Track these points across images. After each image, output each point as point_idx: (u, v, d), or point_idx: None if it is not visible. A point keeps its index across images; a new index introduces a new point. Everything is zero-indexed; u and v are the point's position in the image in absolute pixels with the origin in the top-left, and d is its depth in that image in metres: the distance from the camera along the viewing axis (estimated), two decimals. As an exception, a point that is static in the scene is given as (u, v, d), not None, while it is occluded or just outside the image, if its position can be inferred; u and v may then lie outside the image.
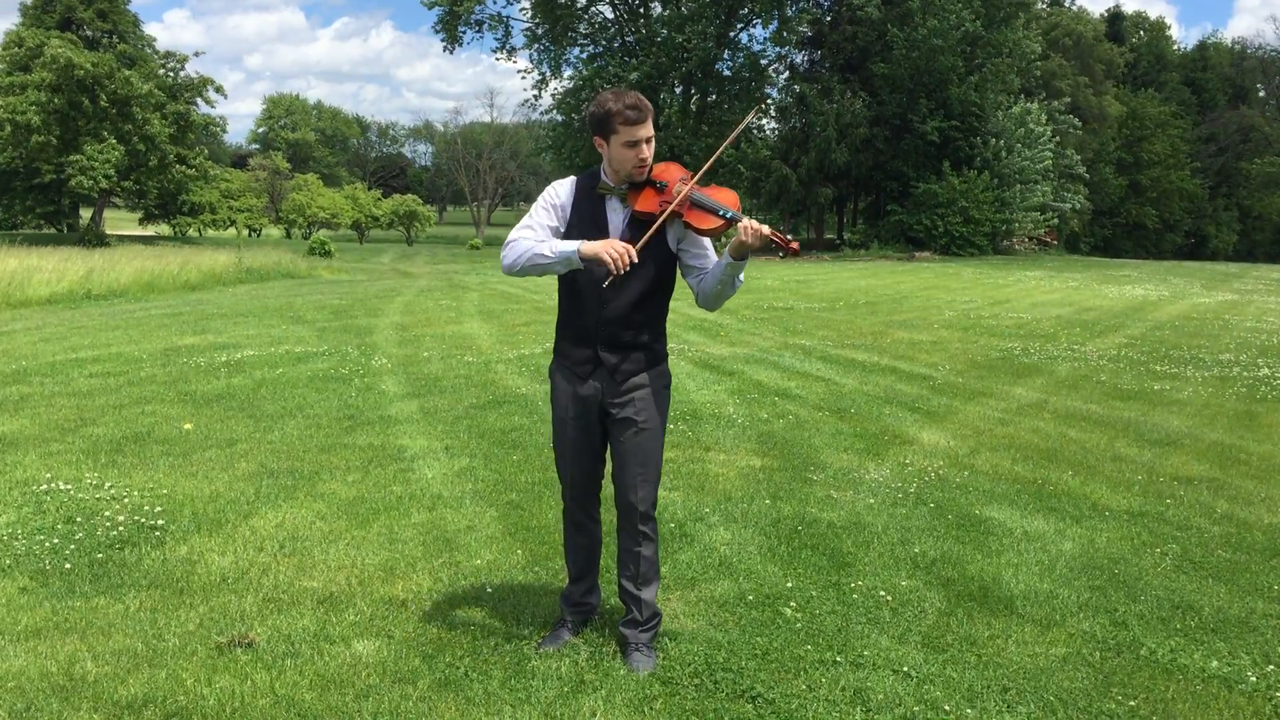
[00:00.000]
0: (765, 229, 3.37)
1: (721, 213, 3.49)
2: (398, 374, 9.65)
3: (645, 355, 3.67)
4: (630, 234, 3.55)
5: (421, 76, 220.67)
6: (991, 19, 41.54)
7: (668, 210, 3.48)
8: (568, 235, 3.58)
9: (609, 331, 3.60)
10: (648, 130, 3.48)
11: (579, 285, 3.59)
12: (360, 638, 3.89)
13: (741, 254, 3.44)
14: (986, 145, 42.42)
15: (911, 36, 40.26)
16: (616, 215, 3.59)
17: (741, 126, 3.99)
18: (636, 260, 3.33)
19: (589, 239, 3.49)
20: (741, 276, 3.56)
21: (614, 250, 3.30)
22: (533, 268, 3.46)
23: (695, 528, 5.27)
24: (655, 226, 3.48)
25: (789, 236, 3.48)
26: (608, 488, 3.88)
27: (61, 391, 8.55)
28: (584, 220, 3.58)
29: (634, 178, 3.55)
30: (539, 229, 3.56)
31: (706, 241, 3.67)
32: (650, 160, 3.55)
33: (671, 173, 3.60)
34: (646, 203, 3.55)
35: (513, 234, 3.55)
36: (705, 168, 3.61)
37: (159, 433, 7.11)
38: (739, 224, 3.41)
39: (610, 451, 3.76)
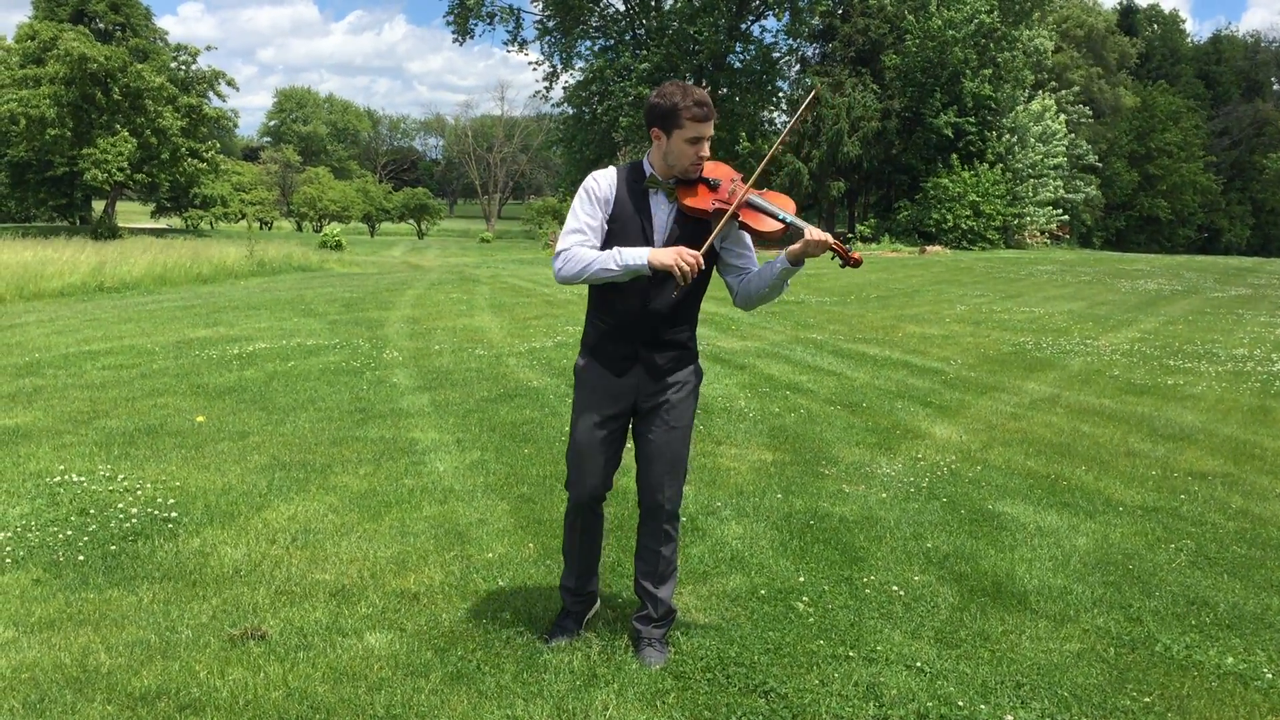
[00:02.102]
0: (829, 237, 3.34)
1: (781, 217, 3.45)
2: (409, 367, 9.66)
3: (683, 353, 3.64)
4: (679, 230, 3.49)
5: (434, 70, 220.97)
6: (1006, 13, 41.36)
7: (730, 210, 3.41)
8: (610, 229, 3.49)
9: (651, 329, 3.53)
10: (711, 129, 3.42)
11: (622, 282, 3.49)
12: (372, 630, 3.90)
13: (799, 259, 3.39)
14: (1000, 140, 42.26)
15: (926, 27, 40.11)
16: (662, 210, 3.51)
17: (800, 113, 3.84)
18: (703, 267, 3.24)
19: (633, 233, 3.46)
20: (790, 281, 3.52)
21: (685, 260, 3.22)
22: (595, 279, 3.36)
23: (707, 522, 5.26)
24: (721, 225, 3.42)
25: (849, 247, 3.44)
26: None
27: (74, 384, 8.58)
28: (628, 214, 3.48)
29: (688, 174, 3.48)
30: (589, 232, 3.45)
31: (750, 241, 3.64)
32: (707, 158, 3.50)
33: (722, 171, 3.55)
34: (699, 199, 3.48)
35: (563, 241, 3.43)
36: (760, 169, 3.54)
37: (171, 425, 7.13)
38: (806, 230, 3.36)
39: (636, 449, 3.71)
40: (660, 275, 3.40)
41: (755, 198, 3.48)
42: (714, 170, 3.54)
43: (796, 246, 3.38)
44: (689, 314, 3.63)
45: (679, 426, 3.64)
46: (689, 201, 3.47)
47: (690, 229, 3.49)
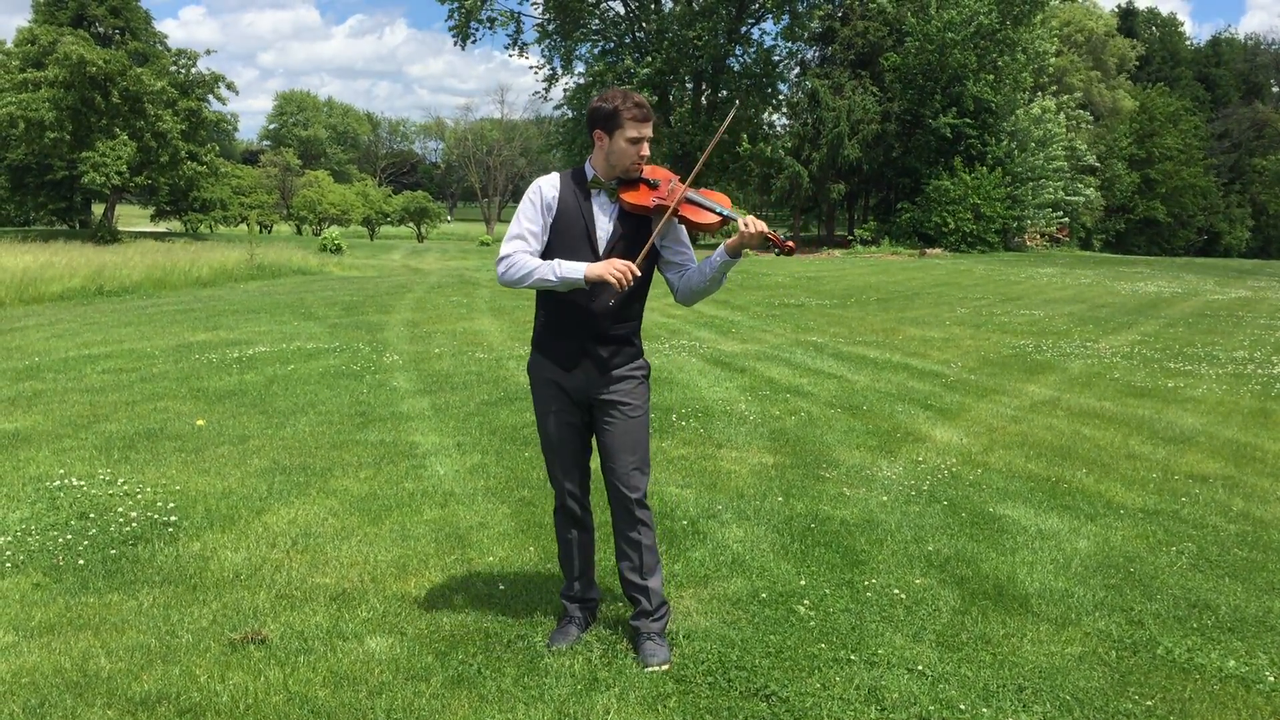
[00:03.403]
0: (764, 226, 3.50)
1: (718, 210, 3.63)
2: (409, 370, 9.66)
3: (629, 349, 3.76)
4: (621, 228, 3.66)
5: (435, 73, 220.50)
6: (1005, 15, 41.35)
7: (673, 206, 3.59)
8: (555, 228, 3.65)
9: (597, 326, 3.66)
10: (650, 129, 3.62)
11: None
12: (373, 634, 3.89)
13: (737, 251, 3.57)
14: (999, 144, 42.23)
15: (925, 29, 40.11)
16: (604, 211, 3.67)
17: (725, 124, 4.10)
18: (639, 274, 3.47)
19: (576, 234, 3.62)
20: (728, 274, 3.70)
21: (616, 270, 3.42)
22: (535, 285, 3.55)
23: (708, 525, 5.25)
24: (665, 219, 3.60)
25: (784, 235, 3.59)
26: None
27: (74, 388, 8.57)
28: (571, 216, 3.64)
29: (630, 174, 3.65)
30: (530, 239, 3.62)
31: (687, 239, 3.81)
32: (647, 158, 3.66)
33: (661, 173, 3.72)
34: (639, 197, 3.65)
35: (506, 247, 3.62)
36: (696, 169, 3.71)
37: (171, 429, 7.13)
38: (741, 220, 3.52)
39: (599, 444, 3.79)
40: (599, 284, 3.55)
41: (693, 194, 3.65)
42: (654, 172, 3.71)
43: (733, 239, 3.55)
44: (634, 313, 3.78)
45: (636, 415, 3.75)
46: (630, 200, 3.64)
47: (632, 226, 3.67)
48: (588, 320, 3.65)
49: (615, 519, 3.83)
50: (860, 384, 9.50)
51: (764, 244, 3.55)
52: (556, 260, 3.54)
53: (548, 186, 3.69)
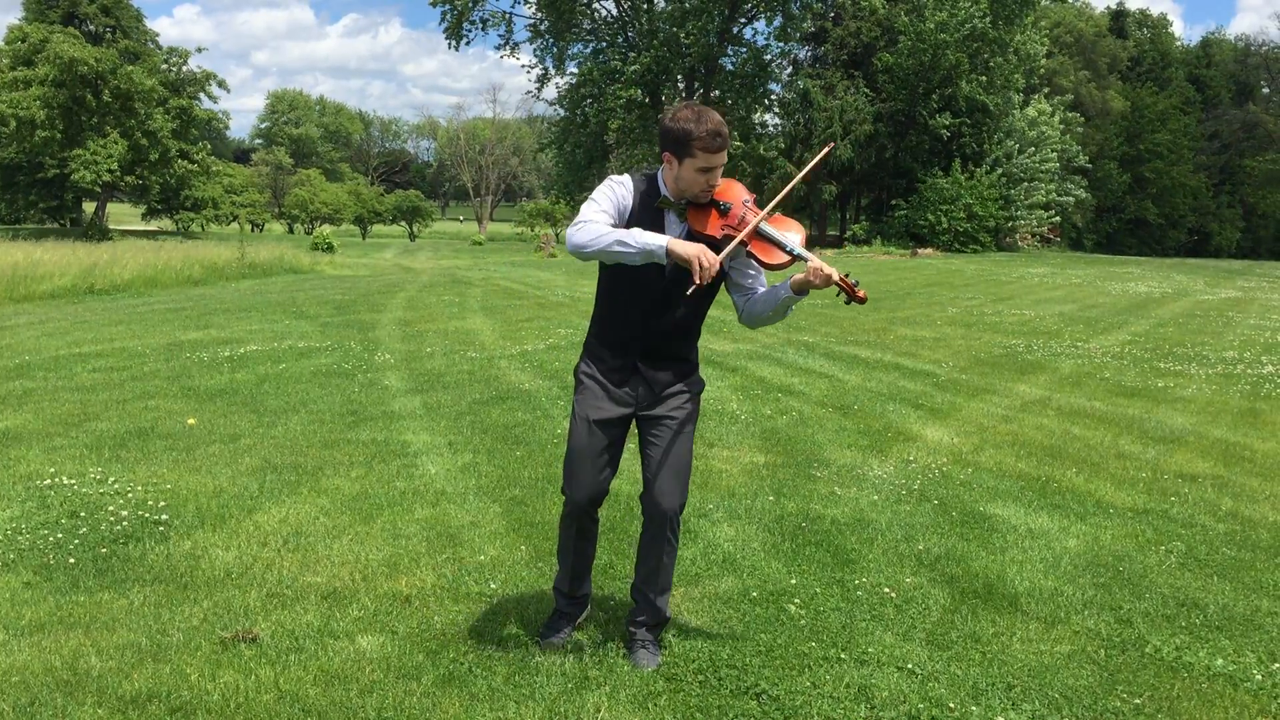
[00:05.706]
0: (835, 274, 3.29)
1: (789, 249, 3.42)
2: (401, 369, 9.65)
3: (683, 365, 3.64)
4: None
5: (428, 73, 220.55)
6: (997, 15, 41.45)
7: (737, 239, 3.35)
8: None
9: (651, 343, 3.53)
10: (724, 159, 3.36)
11: (624, 295, 3.51)
12: (364, 633, 3.89)
13: (802, 289, 3.38)
14: (998, 145, 42.35)
15: (919, 29, 40.17)
16: (674, 228, 3.47)
17: (818, 159, 3.76)
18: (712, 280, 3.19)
19: None
20: (793, 307, 3.50)
21: (706, 259, 3.11)
22: (607, 253, 3.24)
23: (699, 524, 5.26)
24: (729, 249, 3.33)
25: (854, 283, 3.36)
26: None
27: (65, 386, 8.55)
28: (641, 227, 3.39)
29: (698, 200, 3.43)
30: (611, 213, 3.39)
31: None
32: (717, 186, 3.44)
33: (734, 193, 3.48)
34: (709, 225, 3.43)
35: (584, 213, 3.37)
36: (778, 200, 3.43)
37: (162, 428, 7.11)
38: (809, 264, 3.33)
39: (641, 457, 3.69)
40: (670, 281, 3.40)
41: (765, 227, 3.42)
42: (725, 192, 3.47)
43: (799, 278, 3.35)
44: (690, 332, 3.63)
45: (682, 434, 3.62)
46: (698, 227, 3.43)
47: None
48: (643, 338, 3.51)
49: (645, 531, 3.73)
50: (851, 383, 9.52)
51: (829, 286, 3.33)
52: (636, 229, 3.26)
53: (622, 190, 3.45)
